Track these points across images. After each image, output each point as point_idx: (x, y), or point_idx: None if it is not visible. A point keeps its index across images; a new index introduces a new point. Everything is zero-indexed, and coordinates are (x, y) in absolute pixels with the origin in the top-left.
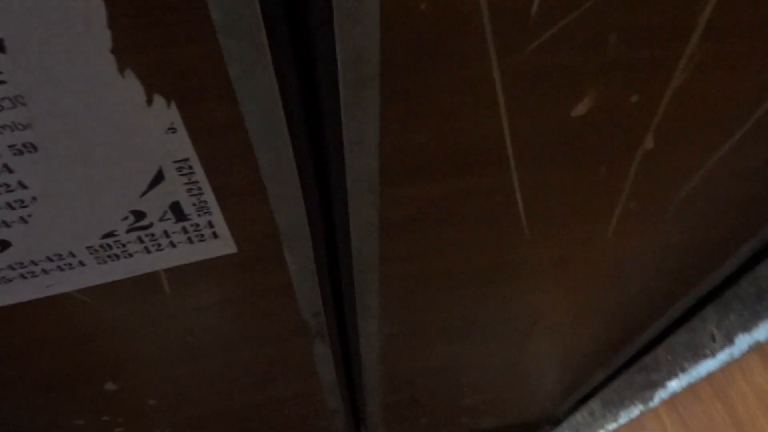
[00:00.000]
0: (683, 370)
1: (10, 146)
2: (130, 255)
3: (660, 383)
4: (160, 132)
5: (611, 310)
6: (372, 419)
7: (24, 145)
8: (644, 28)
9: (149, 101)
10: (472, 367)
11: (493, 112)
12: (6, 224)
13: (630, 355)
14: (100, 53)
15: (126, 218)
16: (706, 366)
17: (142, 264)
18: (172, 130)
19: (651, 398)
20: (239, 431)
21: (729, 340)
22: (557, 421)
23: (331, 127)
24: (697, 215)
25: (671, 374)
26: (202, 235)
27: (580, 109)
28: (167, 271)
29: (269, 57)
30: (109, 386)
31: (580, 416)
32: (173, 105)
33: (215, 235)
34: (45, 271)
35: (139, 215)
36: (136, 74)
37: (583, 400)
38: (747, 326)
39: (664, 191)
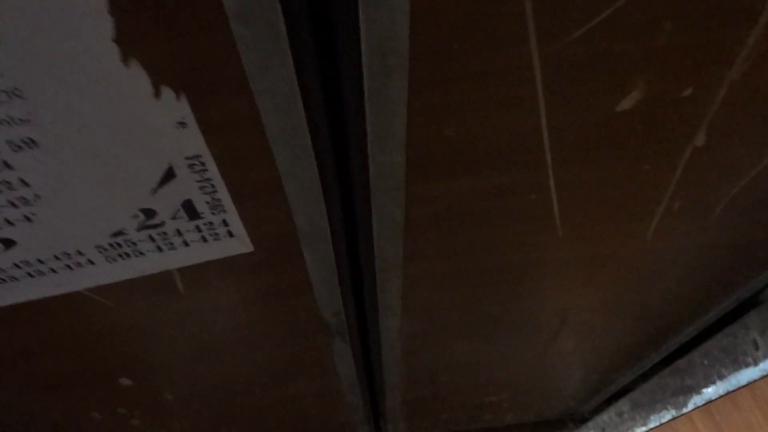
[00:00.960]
0: (721, 376)
1: (8, 142)
2: (142, 254)
3: (695, 389)
4: (169, 127)
5: (645, 310)
6: (392, 414)
7: (23, 140)
8: (703, 12)
9: (157, 94)
10: (495, 364)
11: (531, 105)
12: (9, 222)
13: (662, 356)
14: (102, 42)
15: (136, 217)
16: (747, 374)
17: (154, 263)
18: (183, 124)
19: (684, 404)
20: (258, 425)
21: None
22: (583, 420)
23: (354, 120)
24: (745, 215)
25: (707, 380)
26: (217, 234)
27: (626, 103)
28: (181, 270)
29: (288, 46)
30: (125, 382)
31: (607, 416)
32: (183, 98)
33: (230, 234)
34: (53, 270)
35: (149, 213)
36: (142, 65)
37: (611, 400)
38: None
39: (712, 190)
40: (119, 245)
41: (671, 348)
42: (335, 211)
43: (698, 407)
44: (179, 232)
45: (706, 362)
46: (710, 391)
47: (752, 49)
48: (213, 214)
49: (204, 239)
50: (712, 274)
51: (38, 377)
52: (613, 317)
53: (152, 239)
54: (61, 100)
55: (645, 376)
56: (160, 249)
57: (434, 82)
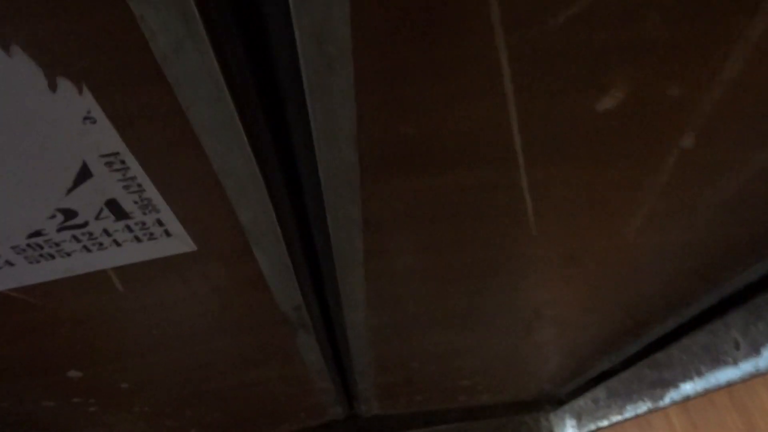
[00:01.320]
0: (699, 373)
1: None
2: (67, 254)
3: (672, 383)
4: (74, 122)
5: (623, 304)
6: (364, 395)
7: None
8: (693, 2)
9: (52, 85)
10: (468, 351)
11: (498, 99)
12: None
13: (640, 347)
14: None
15: (54, 217)
16: (726, 374)
17: (83, 263)
18: (90, 119)
19: (661, 397)
20: (224, 406)
21: (755, 350)
22: (559, 402)
23: (294, 114)
24: (730, 214)
25: (685, 376)
26: (152, 234)
27: (607, 101)
28: (116, 269)
29: (203, 30)
30: (73, 374)
31: (583, 402)
32: (85, 90)
33: (167, 233)
34: None
35: (69, 213)
36: (27, 52)
37: (587, 386)
38: None
39: (699, 191)
40: (39, 246)
41: (650, 339)
42: (283, 207)
43: (675, 402)
44: (107, 232)
45: (684, 357)
46: (688, 387)
47: (749, 43)
48: (144, 213)
49: (137, 239)
50: (693, 270)
51: None
52: (590, 311)
53: (77, 239)
54: None
55: (623, 365)
56: (87, 249)
57: (385, 73)
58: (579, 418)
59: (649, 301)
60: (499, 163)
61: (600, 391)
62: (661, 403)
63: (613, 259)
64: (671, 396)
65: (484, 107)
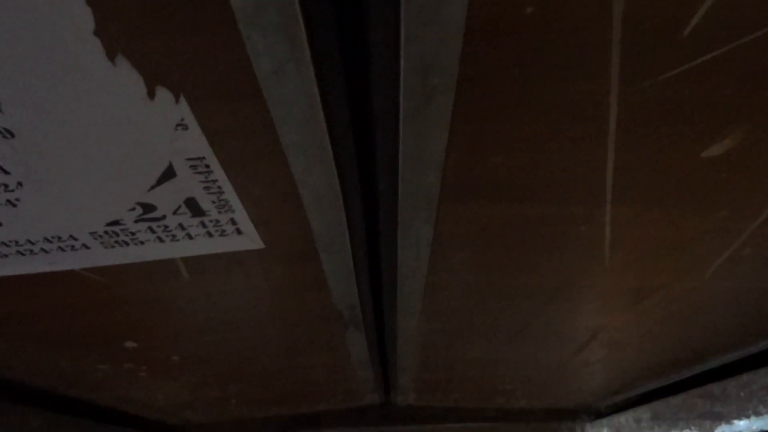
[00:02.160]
0: (757, 413)
1: None
2: (141, 243)
3: (725, 418)
4: (167, 128)
5: (684, 336)
6: (403, 388)
7: None
8: None
9: (151, 94)
10: (514, 362)
11: (599, 143)
12: None
13: (692, 374)
14: (80, 35)
15: (133, 209)
16: None
17: (154, 251)
18: (183, 126)
19: (711, 429)
20: (266, 385)
21: None
22: (598, 414)
23: (385, 139)
24: None
25: (741, 413)
26: (224, 231)
27: (716, 149)
28: (185, 259)
29: (308, 54)
30: (129, 344)
31: (624, 419)
32: (183, 100)
33: (239, 232)
34: (44, 251)
35: (148, 207)
36: (132, 63)
37: (629, 404)
38: None
39: None
40: (116, 234)
41: (704, 368)
42: (356, 220)
43: None
44: (182, 226)
45: (742, 394)
46: (742, 425)
47: None
48: (219, 212)
49: (209, 234)
50: (763, 313)
51: (42, 335)
52: (650, 339)
53: (152, 231)
54: (33, 93)
55: (670, 389)
56: (161, 239)
57: (486, 109)
58: None
59: (711, 337)
60: (585, 199)
61: (643, 412)
62: None
63: (683, 296)
64: (722, 429)
65: (582, 148)
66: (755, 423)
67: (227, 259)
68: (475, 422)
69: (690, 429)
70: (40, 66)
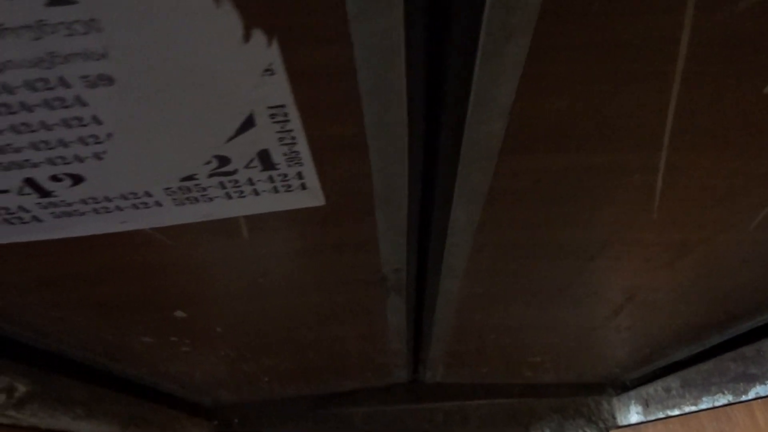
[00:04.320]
0: None
1: (83, 77)
2: (210, 199)
3: (759, 378)
4: (255, 74)
5: (722, 295)
6: (433, 362)
7: (99, 76)
8: None
9: (247, 37)
10: (548, 329)
11: (665, 80)
12: (79, 159)
13: (725, 339)
14: None
15: (209, 163)
16: None
17: (221, 209)
18: (270, 72)
19: (745, 391)
20: (297, 359)
21: None
22: (624, 387)
23: (457, 82)
24: None
25: None
26: (289, 186)
27: None
28: (248, 217)
29: None
30: (179, 314)
31: (652, 389)
32: (275, 43)
33: (303, 187)
34: (119, 208)
35: (223, 160)
36: (235, 3)
37: (657, 373)
38: None
39: None
40: (188, 189)
41: (735, 333)
42: (416, 174)
43: (761, 397)
44: (251, 181)
45: None
46: None
47: None
48: (289, 165)
49: (276, 190)
50: None
51: (93, 301)
52: (685, 299)
53: (223, 186)
54: (141, 36)
55: (701, 356)
56: (229, 196)
57: (559, 48)
58: (646, 404)
59: (747, 295)
60: (642, 145)
61: (673, 380)
62: (744, 398)
63: (726, 250)
64: (757, 391)
65: (646, 89)
66: None
67: (286, 218)
68: (503, 398)
69: (723, 393)
70: (154, 9)
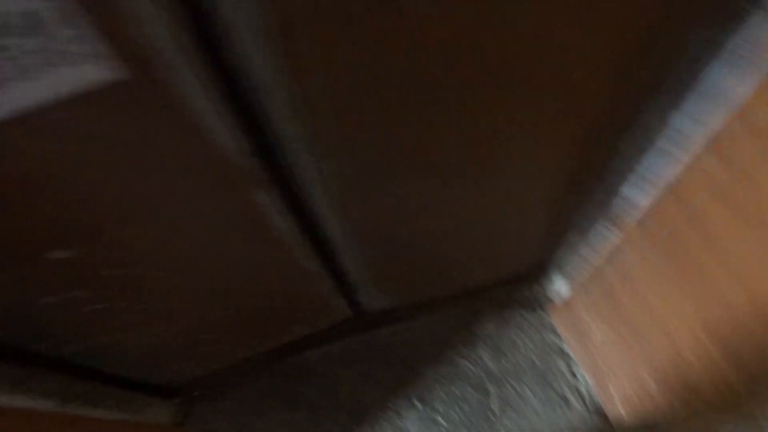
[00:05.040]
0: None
1: None
2: None
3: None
4: None
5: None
6: (358, 282)
7: None
8: None
9: None
10: (444, 215)
11: None
12: None
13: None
14: None
15: None
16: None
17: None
18: None
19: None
20: (231, 311)
21: None
22: (552, 269)
23: None
24: None
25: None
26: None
27: None
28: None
29: None
30: (57, 254)
31: (570, 264)
32: None
33: (88, 55)
34: None
35: None
36: None
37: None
38: None
39: None
40: None
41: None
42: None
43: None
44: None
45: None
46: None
47: None
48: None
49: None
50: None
51: None
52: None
53: None
54: None
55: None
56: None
57: None
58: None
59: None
60: None
61: (583, 247)
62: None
63: None
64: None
65: None
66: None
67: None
68: (446, 308)
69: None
70: None
